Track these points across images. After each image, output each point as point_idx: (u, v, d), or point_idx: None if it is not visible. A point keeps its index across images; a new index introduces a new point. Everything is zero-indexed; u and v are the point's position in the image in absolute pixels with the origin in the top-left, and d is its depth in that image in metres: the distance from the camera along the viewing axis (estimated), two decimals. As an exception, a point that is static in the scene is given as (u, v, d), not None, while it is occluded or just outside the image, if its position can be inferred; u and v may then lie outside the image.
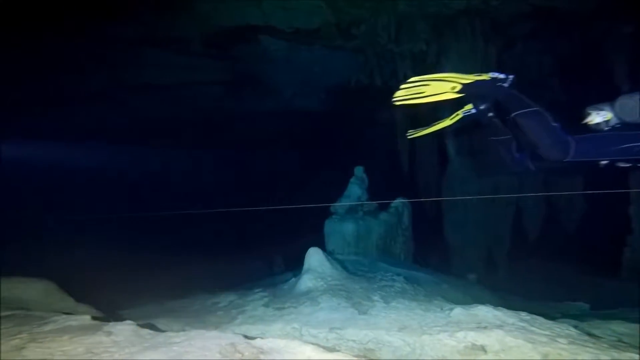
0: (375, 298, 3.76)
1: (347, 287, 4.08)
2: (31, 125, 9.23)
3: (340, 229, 6.71)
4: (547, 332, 2.38)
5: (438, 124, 2.69)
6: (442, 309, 3.06)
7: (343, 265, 4.99)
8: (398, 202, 7.27)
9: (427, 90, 2.23)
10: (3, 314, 2.30)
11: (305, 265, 4.47)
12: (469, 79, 2.28)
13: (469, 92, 2.30)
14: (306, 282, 4.14)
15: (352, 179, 7.52)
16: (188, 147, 12.39)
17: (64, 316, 2.25)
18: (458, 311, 2.79)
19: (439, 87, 2.22)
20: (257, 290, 4.51)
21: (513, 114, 2.35)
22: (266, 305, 3.74)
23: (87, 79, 8.90)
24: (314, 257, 4.55)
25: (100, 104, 9.75)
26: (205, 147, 12.77)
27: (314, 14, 7.09)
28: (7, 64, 7.74)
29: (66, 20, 6.75)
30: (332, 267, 4.54)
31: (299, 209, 4.80)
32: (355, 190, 7.39)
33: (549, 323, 2.62)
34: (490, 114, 2.48)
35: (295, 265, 5.23)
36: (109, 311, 3.32)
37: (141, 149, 11.74)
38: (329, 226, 6.85)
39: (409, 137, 2.88)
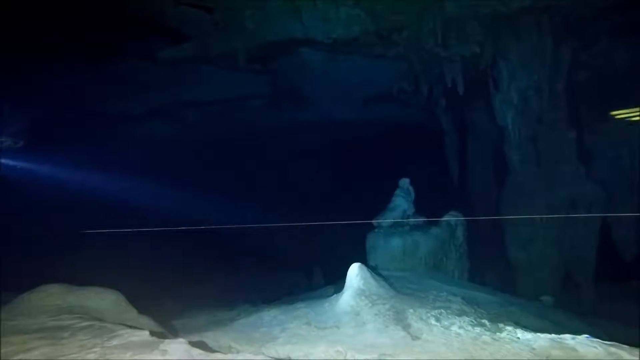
0: (431, 321, 3.26)
1: (395, 306, 3.64)
2: (97, 141, 10.00)
3: (385, 243, 6.22)
4: None
5: None
6: (518, 337, 2.48)
7: (389, 282, 4.50)
8: (451, 215, 6.61)
9: None
10: (83, 324, 2.62)
11: (348, 282, 4.08)
12: None
13: None
14: (349, 299, 3.77)
15: (397, 191, 7.02)
16: (234, 161, 12.63)
17: (129, 330, 2.46)
18: (545, 342, 2.20)
19: None
20: (299, 305, 4.24)
21: None
22: (308, 324, 3.50)
23: (150, 97, 9.51)
24: (358, 273, 4.13)
25: (162, 119, 10.33)
26: (248, 161, 12.95)
27: (353, 23, 6.97)
28: (76, 86, 8.50)
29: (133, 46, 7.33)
30: (378, 284, 4.09)
31: (339, 220, 4.44)
32: (400, 202, 6.87)
33: None
34: None
35: (335, 279, 4.85)
36: (165, 322, 3.55)
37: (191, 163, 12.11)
38: (372, 240, 6.38)
39: None
